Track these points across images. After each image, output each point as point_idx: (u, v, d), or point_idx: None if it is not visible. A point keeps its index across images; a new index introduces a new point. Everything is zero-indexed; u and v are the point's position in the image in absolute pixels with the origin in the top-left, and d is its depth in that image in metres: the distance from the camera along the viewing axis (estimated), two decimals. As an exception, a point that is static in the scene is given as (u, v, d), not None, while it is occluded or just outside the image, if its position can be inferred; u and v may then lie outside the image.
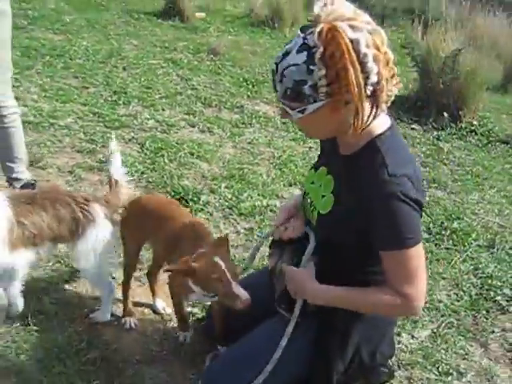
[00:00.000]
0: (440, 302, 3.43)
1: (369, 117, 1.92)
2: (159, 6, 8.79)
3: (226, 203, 3.92)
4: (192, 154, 4.52)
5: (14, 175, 3.56)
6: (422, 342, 3.11)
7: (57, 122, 4.63)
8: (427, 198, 4.48)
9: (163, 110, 5.20)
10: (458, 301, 3.48)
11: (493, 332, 3.26)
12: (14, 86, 4.95)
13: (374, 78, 1.82)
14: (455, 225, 4.22)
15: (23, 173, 3.61)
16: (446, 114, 6.13)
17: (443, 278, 3.66)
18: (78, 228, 2.62)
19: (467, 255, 3.89)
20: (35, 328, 2.67)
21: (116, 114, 4.92)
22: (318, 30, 1.74)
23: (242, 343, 2.41)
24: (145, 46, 6.89)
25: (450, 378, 2.90)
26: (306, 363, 2.27)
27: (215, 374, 2.35)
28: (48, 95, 5.04)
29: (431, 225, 4.20)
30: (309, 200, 2.26)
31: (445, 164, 5.38)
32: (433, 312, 3.34)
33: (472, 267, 3.79)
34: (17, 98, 4.77)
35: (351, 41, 1.75)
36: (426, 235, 4.03)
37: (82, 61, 5.93)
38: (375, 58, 1.80)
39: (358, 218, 2.02)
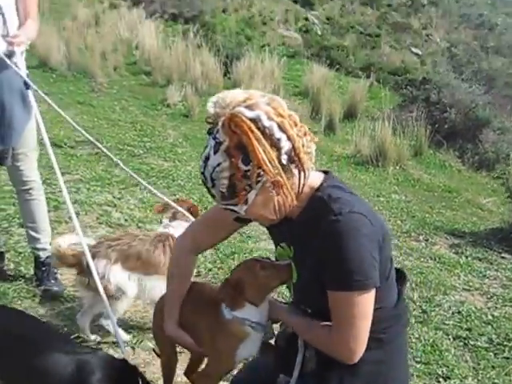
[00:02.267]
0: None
1: (299, 182, 1.96)
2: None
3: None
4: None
5: (39, 246, 3.85)
6: None
7: (144, 226, 4.99)
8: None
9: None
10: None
11: None
12: (115, 197, 5.55)
13: (286, 146, 1.87)
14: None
15: (47, 244, 3.86)
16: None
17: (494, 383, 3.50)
18: None
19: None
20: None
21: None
22: (220, 124, 1.83)
23: None
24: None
25: None
26: None
27: None
28: (143, 206, 5.48)
29: (494, 336, 4.05)
30: None
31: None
32: None
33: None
34: (114, 205, 5.34)
35: (252, 120, 1.82)
36: (486, 344, 3.92)
37: (183, 182, 6.39)
38: (281, 126, 1.85)
39: (319, 276, 2.00)
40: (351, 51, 16.18)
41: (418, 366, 3.53)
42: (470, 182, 9.15)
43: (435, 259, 5.36)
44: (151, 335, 3.30)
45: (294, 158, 1.90)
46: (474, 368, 3.60)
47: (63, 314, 3.61)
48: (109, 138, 7.59)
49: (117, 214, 5.17)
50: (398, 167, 8.79)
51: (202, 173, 1.91)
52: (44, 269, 3.85)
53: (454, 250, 5.72)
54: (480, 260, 5.56)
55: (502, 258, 5.74)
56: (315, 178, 2.05)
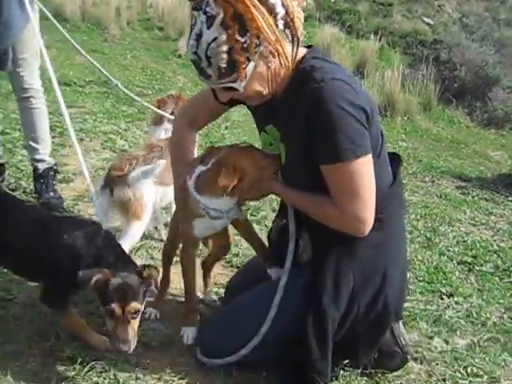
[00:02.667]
0: (488, 319, 3.18)
1: (293, 49, 1.93)
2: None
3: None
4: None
5: (38, 156, 3.80)
6: (457, 349, 2.86)
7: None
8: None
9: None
10: (512, 323, 3.21)
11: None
12: (121, 128, 5.53)
13: (281, 11, 1.84)
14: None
15: (46, 155, 3.84)
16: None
17: (498, 303, 3.43)
18: None
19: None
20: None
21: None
22: None
23: (235, 306, 2.41)
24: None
25: (479, 380, 2.64)
26: (299, 315, 2.16)
27: (211, 340, 2.32)
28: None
29: (500, 262, 4.01)
30: None
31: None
32: (477, 326, 3.11)
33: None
34: (119, 134, 5.32)
35: None
36: (491, 270, 3.88)
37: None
38: None
39: (309, 149, 1.98)
40: (363, 16, 15.99)
41: (421, 283, 3.48)
42: (479, 137, 9.07)
43: (441, 196, 5.33)
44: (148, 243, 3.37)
45: (290, 23, 1.87)
46: (478, 289, 3.56)
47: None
48: (118, 79, 7.54)
49: (121, 141, 5.15)
50: (406, 118, 8.77)
51: (195, 52, 1.83)
52: (42, 181, 3.81)
53: (460, 191, 5.69)
54: (487, 200, 5.54)
55: (510, 201, 5.68)
56: (299, 52, 2.00)
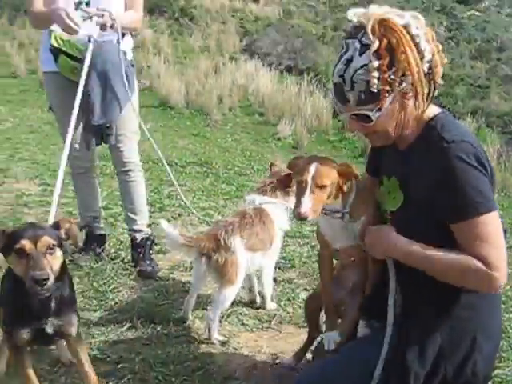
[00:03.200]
0: None
1: (428, 94, 1.99)
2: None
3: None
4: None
5: (136, 227, 3.96)
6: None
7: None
8: None
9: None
10: None
11: None
12: (218, 205, 5.64)
13: (428, 56, 1.94)
14: None
15: (144, 226, 3.99)
16: None
17: None
18: None
19: None
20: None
21: (301, 229, 5.06)
22: (369, 26, 1.89)
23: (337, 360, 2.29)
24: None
25: None
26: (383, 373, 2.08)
27: None
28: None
29: None
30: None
31: None
32: None
33: None
34: (217, 210, 5.42)
35: (403, 26, 1.90)
36: None
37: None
38: (426, 37, 1.94)
39: (429, 205, 1.98)
40: (460, 98, 15.89)
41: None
42: None
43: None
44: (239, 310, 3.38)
45: (434, 68, 1.97)
46: None
47: (156, 290, 3.65)
48: (218, 160, 7.79)
49: (218, 216, 5.23)
50: (503, 194, 8.46)
51: (341, 75, 1.94)
52: (139, 250, 3.95)
53: None
54: None
55: None
56: (431, 110, 2.08)
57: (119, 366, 2.74)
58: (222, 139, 9.95)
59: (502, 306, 3.72)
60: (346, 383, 2.13)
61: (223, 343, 3.07)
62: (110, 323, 3.14)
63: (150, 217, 4.29)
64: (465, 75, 20.58)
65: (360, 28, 1.93)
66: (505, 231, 2.15)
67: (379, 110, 1.94)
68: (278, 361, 2.93)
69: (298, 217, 2.06)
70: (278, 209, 3.35)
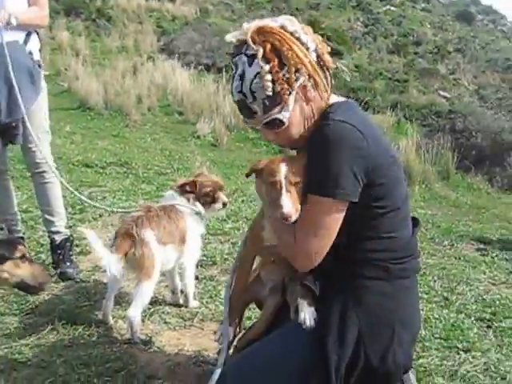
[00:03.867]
0: (508, 373, 3.13)
1: (326, 81, 2.06)
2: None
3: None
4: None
5: (54, 229, 3.93)
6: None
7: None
8: None
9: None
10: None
11: None
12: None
13: (312, 46, 2.02)
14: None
15: (62, 227, 3.96)
16: None
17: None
18: None
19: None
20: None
21: (222, 226, 5.18)
22: (249, 39, 1.96)
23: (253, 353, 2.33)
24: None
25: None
26: (305, 361, 2.13)
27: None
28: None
29: None
30: None
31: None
32: (496, 380, 3.07)
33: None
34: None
35: (280, 27, 1.99)
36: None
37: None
38: (303, 31, 2.03)
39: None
40: (379, 93, 16.36)
41: (437, 340, 3.41)
42: (500, 202, 8.96)
43: (459, 258, 5.23)
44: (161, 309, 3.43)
45: (321, 56, 2.04)
46: (497, 345, 3.46)
47: (77, 292, 3.64)
48: (137, 160, 7.74)
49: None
50: (424, 186, 8.76)
51: (240, 91, 2.00)
52: (59, 252, 3.91)
53: (480, 253, 5.56)
54: (507, 260, 5.38)
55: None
56: (335, 99, 2.15)
57: (41, 369, 2.72)
58: (141, 139, 9.89)
59: (425, 295, 3.99)
60: (270, 369, 2.17)
61: (146, 342, 3.09)
62: (30, 327, 3.12)
63: (71, 218, 4.25)
64: (383, 69, 21.20)
65: (242, 44, 2.00)
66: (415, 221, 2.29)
67: (286, 109, 2.00)
68: (201, 358, 2.98)
69: (282, 218, 2.03)
70: (189, 208, 3.42)
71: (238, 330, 2.55)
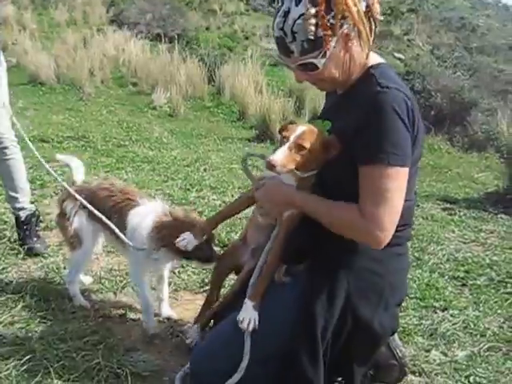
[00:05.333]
0: (487, 329, 3.15)
1: (370, 32, 2.00)
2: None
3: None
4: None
5: (18, 205, 3.81)
6: (457, 360, 2.82)
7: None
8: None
9: (232, 196, 5.27)
10: None
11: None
12: (99, 178, 5.51)
13: None
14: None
15: (26, 202, 3.85)
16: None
17: (496, 313, 3.38)
18: None
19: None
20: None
21: (186, 196, 5.14)
22: None
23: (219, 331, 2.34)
24: (230, 157, 7.30)
25: (482, 389, 2.59)
26: (291, 325, 2.11)
27: (198, 364, 2.26)
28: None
29: (494, 275, 3.97)
30: None
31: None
32: (476, 337, 3.07)
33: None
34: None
35: None
36: (486, 282, 3.84)
37: (168, 165, 6.36)
38: None
39: (349, 145, 1.97)
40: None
41: (413, 300, 3.43)
42: (461, 162, 9.06)
43: (427, 218, 5.27)
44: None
45: (370, 6, 1.97)
46: (474, 302, 3.50)
47: (47, 267, 3.54)
48: (95, 133, 7.59)
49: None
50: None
51: (281, 28, 1.93)
52: (25, 227, 3.79)
53: (447, 212, 5.61)
54: (475, 219, 5.45)
55: (499, 217, 5.60)
56: (374, 59, 2.09)
57: (17, 346, 2.63)
58: (96, 112, 9.71)
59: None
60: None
61: (121, 315, 3.04)
62: (2, 305, 3.01)
63: (33, 194, 4.12)
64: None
65: None
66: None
67: (324, 55, 1.94)
68: (178, 328, 2.94)
69: (267, 164, 1.99)
70: None
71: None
